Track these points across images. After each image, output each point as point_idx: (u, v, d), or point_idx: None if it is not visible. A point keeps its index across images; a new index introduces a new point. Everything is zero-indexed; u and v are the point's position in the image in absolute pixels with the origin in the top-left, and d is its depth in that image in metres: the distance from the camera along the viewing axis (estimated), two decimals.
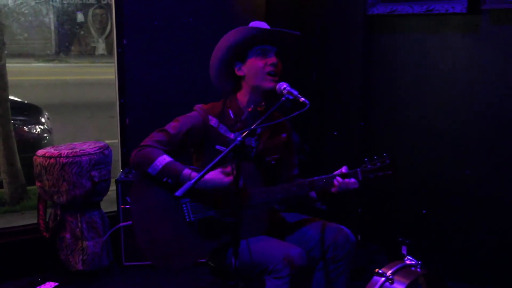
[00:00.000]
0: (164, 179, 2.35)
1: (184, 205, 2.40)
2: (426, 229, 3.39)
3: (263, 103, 2.47)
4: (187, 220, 2.39)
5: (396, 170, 2.30)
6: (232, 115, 2.49)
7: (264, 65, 2.42)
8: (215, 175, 2.31)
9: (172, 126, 2.46)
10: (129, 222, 3.47)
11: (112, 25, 3.85)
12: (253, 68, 2.43)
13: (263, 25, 2.48)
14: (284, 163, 2.61)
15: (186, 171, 2.33)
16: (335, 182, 2.29)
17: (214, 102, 2.54)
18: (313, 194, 2.42)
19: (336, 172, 2.32)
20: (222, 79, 2.53)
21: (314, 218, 2.59)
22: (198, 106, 2.53)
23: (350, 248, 2.43)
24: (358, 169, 2.30)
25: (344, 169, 2.31)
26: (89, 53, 13.12)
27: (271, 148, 2.54)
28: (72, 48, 13.00)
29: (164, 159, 2.36)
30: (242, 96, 2.51)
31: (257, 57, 2.43)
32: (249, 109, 2.47)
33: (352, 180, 2.28)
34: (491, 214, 3.09)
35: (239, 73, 2.48)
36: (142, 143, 2.44)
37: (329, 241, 2.42)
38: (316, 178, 2.35)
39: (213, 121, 2.47)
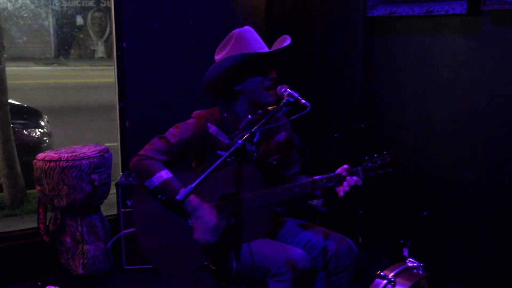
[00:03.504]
0: (159, 196, 2.35)
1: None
2: (428, 231, 3.38)
3: (259, 111, 2.46)
4: (190, 224, 2.37)
5: (397, 167, 2.30)
6: (229, 122, 2.48)
7: (263, 80, 2.39)
8: (208, 209, 2.30)
9: (172, 134, 2.43)
10: (132, 230, 3.46)
11: (111, 28, 3.85)
12: (252, 84, 2.40)
13: (252, 34, 2.44)
14: (285, 162, 2.60)
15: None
16: (344, 183, 2.29)
17: (212, 109, 2.52)
18: (318, 193, 2.41)
19: (337, 171, 2.32)
20: (217, 94, 2.50)
21: (317, 225, 2.58)
22: (196, 113, 2.51)
23: (353, 260, 2.41)
24: (359, 167, 2.31)
25: (345, 168, 2.31)
26: (88, 56, 13.12)
27: (271, 149, 2.53)
28: (72, 51, 12.99)
29: (162, 176, 2.34)
30: (240, 107, 2.48)
31: (256, 73, 2.40)
32: (246, 120, 2.46)
33: (354, 178, 2.29)
34: (493, 217, 3.08)
35: (236, 87, 2.45)
36: (142, 152, 2.42)
37: (332, 252, 2.40)
38: (317, 177, 2.34)
39: (212, 129, 2.45)
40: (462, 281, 3.22)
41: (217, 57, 2.45)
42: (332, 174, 2.33)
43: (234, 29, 2.48)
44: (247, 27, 2.46)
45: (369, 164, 2.31)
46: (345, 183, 2.29)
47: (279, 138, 2.57)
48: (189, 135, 2.42)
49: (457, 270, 3.25)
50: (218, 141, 2.44)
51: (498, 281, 3.09)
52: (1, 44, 4.80)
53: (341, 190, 2.30)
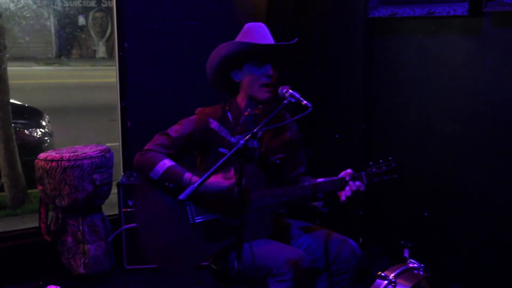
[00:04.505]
0: (166, 184, 2.36)
1: (188, 207, 2.40)
2: (428, 232, 3.38)
3: (260, 106, 2.47)
4: (191, 222, 2.39)
5: (402, 173, 2.28)
6: (231, 118, 2.49)
7: (260, 75, 2.40)
8: (216, 179, 2.30)
9: (174, 130, 2.46)
10: (132, 225, 3.48)
11: (113, 28, 3.85)
12: (249, 77, 2.42)
13: (261, 28, 2.46)
14: (290, 162, 2.60)
15: (187, 175, 2.32)
16: (346, 188, 2.27)
17: (215, 106, 2.55)
18: (320, 196, 2.40)
19: (340, 175, 2.31)
20: (219, 83, 2.54)
21: (320, 227, 2.57)
22: (199, 110, 2.53)
23: (356, 262, 2.40)
24: (363, 172, 2.28)
25: (349, 172, 2.30)
26: (89, 56, 13.16)
27: (274, 148, 2.53)
28: (73, 51, 13.03)
29: (165, 163, 2.36)
30: (241, 100, 2.50)
31: (253, 66, 2.41)
32: (246, 113, 2.47)
33: (357, 183, 2.27)
34: (493, 217, 3.08)
35: (235, 78, 2.48)
36: (144, 147, 2.45)
37: (335, 254, 2.39)
38: (320, 180, 2.34)
39: (214, 124, 2.47)
40: (462, 281, 3.22)
41: None
42: (335, 178, 2.31)
43: (235, 29, 2.51)
44: (260, 23, 2.49)
45: (374, 169, 2.27)
46: (347, 187, 2.27)
47: (283, 137, 2.58)
48: (191, 130, 2.45)
49: (457, 270, 3.26)
50: (220, 137, 2.46)
51: (498, 281, 3.09)
52: (3, 44, 4.80)
53: (343, 195, 2.29)
